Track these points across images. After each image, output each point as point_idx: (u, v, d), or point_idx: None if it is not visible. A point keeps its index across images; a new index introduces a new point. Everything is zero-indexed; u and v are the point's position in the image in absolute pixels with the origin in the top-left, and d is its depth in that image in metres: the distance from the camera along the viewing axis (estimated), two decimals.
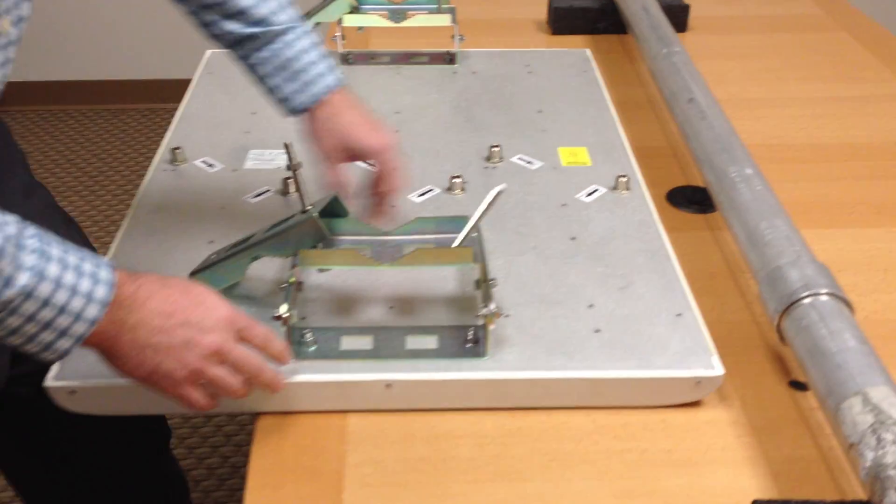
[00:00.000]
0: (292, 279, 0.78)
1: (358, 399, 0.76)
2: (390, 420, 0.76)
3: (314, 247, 0.79)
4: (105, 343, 0.66)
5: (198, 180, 1.03)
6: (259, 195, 1.00)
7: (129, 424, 1.04)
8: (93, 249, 0.97)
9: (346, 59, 1.32)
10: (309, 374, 0.75)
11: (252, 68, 0.88)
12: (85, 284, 0.63)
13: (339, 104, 0.87)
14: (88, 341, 0.65)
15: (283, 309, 0.74)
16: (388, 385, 0.75)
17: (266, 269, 0.86)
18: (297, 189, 0.78)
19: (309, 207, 0.78)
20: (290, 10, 0.87)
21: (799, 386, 0.81)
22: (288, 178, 1.00)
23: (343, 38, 1.30)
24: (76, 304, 0.62)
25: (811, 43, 1.52)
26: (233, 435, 1.72)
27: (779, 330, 0.78)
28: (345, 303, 0.84)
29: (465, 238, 0.79)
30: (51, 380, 0.74)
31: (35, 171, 2.71)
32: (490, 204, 0.78)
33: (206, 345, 0.67)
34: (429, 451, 0.74)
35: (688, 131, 1.07)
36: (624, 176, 1.02)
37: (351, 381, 0.75)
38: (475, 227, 0.80)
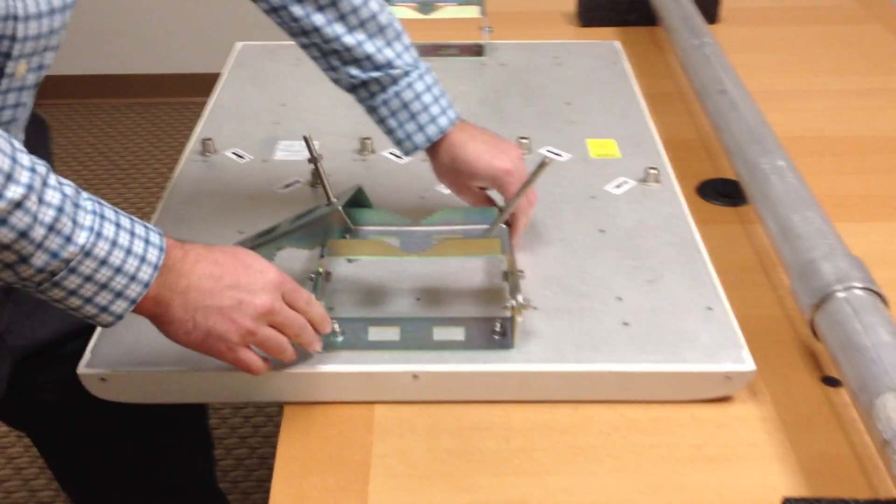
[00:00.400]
0: (321, 269, 0.78)
1: (385, 390, 0.76)
2: (416, 411, 0.76)
3: (342, 237, 0.79)
4: (157, 308, 0.66)
5: (228, 171, 1.04)
6: (288, 186, 1.01)
7: (166, 430, 1.05)
8: None
9: None
10: (336, 365, 0.75)
11: (372, 110, 0.88)
12: (138, 246, 0.64)
13: (455, 141, 0.87)
14: (141, 307, 0.65)
15: None
16: (416, 376, 0.75)
17: (292, 259, 0.86)
18: (321, 181, 0.78)
19: (334, 200, 0.78)
20: (412, 51, 0.88)
21: (831, 382, 0.79)
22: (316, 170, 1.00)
23: None
24: (131, 264, 0.63)
25: (845, 35, 1.50)
26: (260, 426, 1.74)
27: (811, 324, 0.77)
28: (372, 294, 0.84)
29: (492, 229, 0.79)
30: (83, 367, 0.75)
31: (68, 163, 2.74)
32: (534, 175, 0.78)
33: (257, 305, 0.67)
34: (455, 443, 0.73)
35: (719, 123, 1.06)
36: (654, 168, 1.01)
37: (378, 373, 0.75)
38: (504, 217, 0.80)
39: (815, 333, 0.77)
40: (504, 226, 0.84)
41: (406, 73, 0.86)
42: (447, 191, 1.00)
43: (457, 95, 1.20)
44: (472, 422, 0.75)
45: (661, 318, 0.81)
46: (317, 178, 1.00)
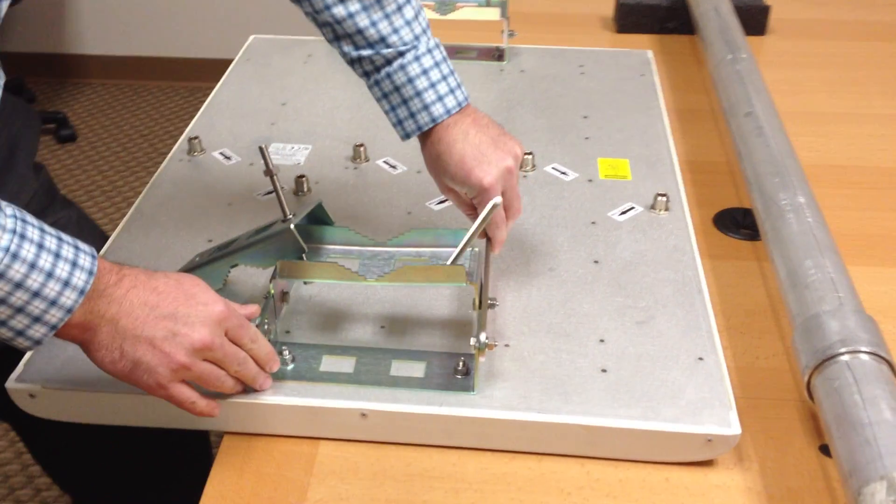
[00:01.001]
0: (272, 291, 0.72)
1: (330, 427, 0.70)
2: (363, 452, 0.70)
3: (298, 257, 0.74)
4: (84, 335, 0.62)
5: (211, 173, 0.99)
6: (269, 193, 0.95)
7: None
8: (95, 236, 0.95)
9: None
10: (280, 397, 0.70)
11: (370, 89, 0.81)
12: (63, 269, 0.59)
13: (443, 137, 0.78)
14: (65, 332, 0.61)
15: (254, 324, 0.69)
16: (364, 415, 0.69)
17: (254, 275, 0.81)
18: (277, 197, 0.73)
19: (290, 216, 0.72)
20: (415, 25, 0.78)
21: (829, 452, 0.71)
22: (301, 177, 0.95)
23: None
24: (52, 288, 0.59)
25: None
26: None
27: (808, 387, 0.69)
28: (333, 318, 0.78)
29: (459, 255, 0.72)
30: (11, 382, 0.71)
31: (81, 146, 2.73)
32: (483, 219, 0.71)
33: (194, 339, 0.63)
34: (399, 492, 0.67)
35: (741, 148, 0.97)
36: (664, 195, 0.93)
37: (324, 408, 0.69)
38: (471, 243, 0.73)
39: (811, 397, 0.69)
40: (478, 247, 0.77)
41: (400, 54, 0.78)
42: (438, 207, 0.94)
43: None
44: (422, 468, 0.69)
45: (644, 367, 0.73)
46: (304, 185, 0.95)
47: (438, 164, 0.79)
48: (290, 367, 0.72)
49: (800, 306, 0.73)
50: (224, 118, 1.09)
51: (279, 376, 0.71)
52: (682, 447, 0.69)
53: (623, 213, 0.93)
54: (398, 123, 0.80)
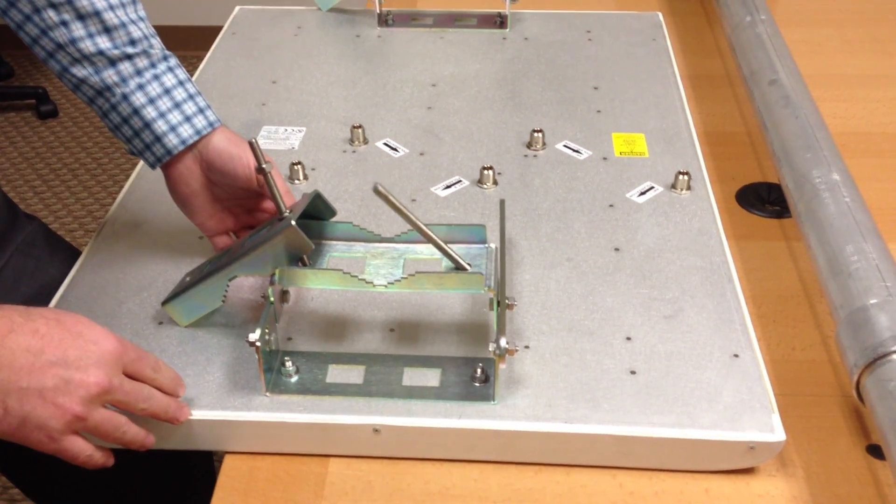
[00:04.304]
0: (271, 297, 0.66)
1: (341, 444, 0.65)
2: (377, 469, 0.65)
3: (299, 258, 0.68)
4: None
5: None
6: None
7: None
8: (64, 250, 0.87)
9: (386, 19, 1.19)
10: (285, 413, 0.64)
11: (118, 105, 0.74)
12: None
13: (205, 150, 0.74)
14: None
15: (253, 336, 0.63)
16: (377, 430, 0.64)
17: (254, 286, 0.75)
18: (271, 193, 0.66)
19: (287, 213, 0.66)
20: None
21: (879, 453, 0.66)
22: (296, 163, 0.88)
23: None
24: None
25: None
26: None
27: (857, 388, 0.63)
28: (338, 322, 0.72)
29: (456, 261, 0.66)
30: None
31: (63, 122, 2.65)
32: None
33: (89, 385, 0.56)
34: None
35: (766, 120, 0.90)
36: (685, 173, 0.87)
37: (333, 424, 0.64)
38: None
39: (861, 398, 0.63)
40: (494, 243, 0.71)
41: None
42: (444, 193, 0.88)
43: (469, 75, 1.08)
44: (442, 485, 0.64)
45: (676, 367, 0.68)
46: (299, 172, 0.88)
47: (214, 167, 0.73)
48: (294, 379, 0.67)
49: (843, 297, 0.67)
50: (211, 100, 1.01)
51: (283, 390, 0.66)
52: (722, 455, 0.63)
53: (642, 193, 0.87)
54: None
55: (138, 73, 0.71)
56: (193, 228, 0.80)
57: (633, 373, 0.68)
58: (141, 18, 0.72)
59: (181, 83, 0.73)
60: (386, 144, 0.94)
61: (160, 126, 0.71)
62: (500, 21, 1.18)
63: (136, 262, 0.78)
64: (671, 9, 1.31)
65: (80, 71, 0.70)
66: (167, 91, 0.72)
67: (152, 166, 0.74)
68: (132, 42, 0.70)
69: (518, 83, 1.06)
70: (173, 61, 0.74)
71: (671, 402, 0.65)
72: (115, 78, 0.70)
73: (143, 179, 0.89)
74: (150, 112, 0.71)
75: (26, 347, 0.55)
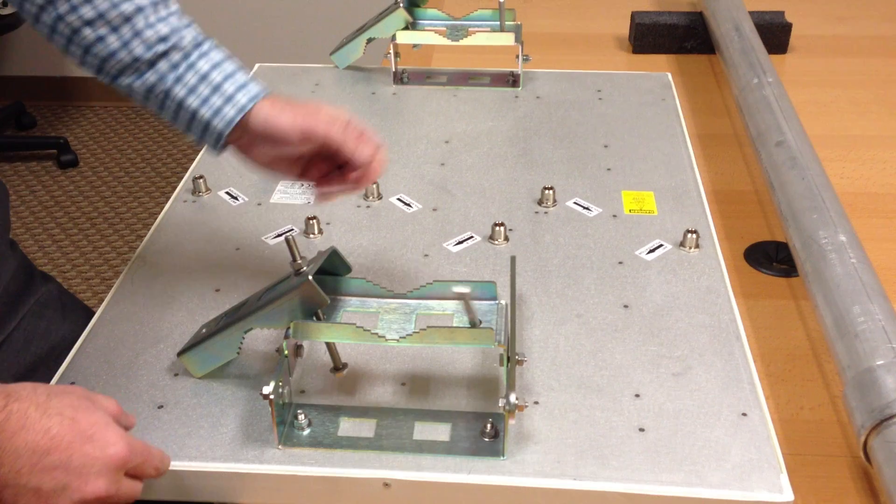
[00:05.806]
0: (286, 352, 0.68)
1: (350, 498, 0.66)
2: None
3: (314, 312, 0.69)
4: None
5: (217, 215, 0.94)
6: (279, 236, 0.91)
7: None
8: (78, 311, 0.89)
9: (401, 77, 1.22)
10: (296, 466, 0.65)
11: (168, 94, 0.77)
12: None
13: (262, 111, 0.75)
14: None
15: (267, 389, 0.64)
16: (387, 484, 0.65)
17: (269, 338, 0.77)
18: (290, 251, 0.68)
19: (304, 269, 0.67)
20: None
21: None
22: (311, 218, 0.90)
23: (398, 56, 1.20)
24: None
25: None
26: None
27: (865, 449, 0.64)
28: (351, 375, 0.73)
29: (476, 316, 0.67)
30: None
31: (83, 171, 2.68)
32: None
33: (86, 493, 0.56)
34: None
35: (773, 181, 0.92)
36: (694, 231, 0.88)
37: (344, 478, 0.65)
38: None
39: (868, 459, 0.64)
40: (504, 300, 0.73)
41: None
42: (456, 248, 0.89)
43: (482, 132, 1.10)
44: None
45: (684, 425, 0.69)
46: (314, 227, 0.90)
47: (266, 139, 0.75)
48: (307, 432, 0.68)
49: (850, 358, 0.68)
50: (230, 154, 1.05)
51: (295, 442, 0.67)
52: None
53: (651, 251, 0.88)
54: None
55: (174, 67, 0.74)
56: (210, 281, 0.81)
57: (641, 430, 0.68)
58: (171, 13, 0.74)
59: (216, 65, 0.74)
60: (400, 200, 0.96)
61: (205, 113, 0.73)
62: (512, 80, 1.21)
63: (153, 314, 0.80)
64: (680, 69, 1.34)
65: (124, 80, 0.74)
66: (203, 77, 0.74)
67: (217, 151, 0.77)
68: (162, 39, 0.73)
69: (530, 141, 1.08)
70: (207, 45, 0.75)
71: (680, 461, 0.66)
72: (154, 78, 0.73)
73: (162, 232, 0.92)
74: (192, 101, 0.73)
75: (33, 448, 0.55)
